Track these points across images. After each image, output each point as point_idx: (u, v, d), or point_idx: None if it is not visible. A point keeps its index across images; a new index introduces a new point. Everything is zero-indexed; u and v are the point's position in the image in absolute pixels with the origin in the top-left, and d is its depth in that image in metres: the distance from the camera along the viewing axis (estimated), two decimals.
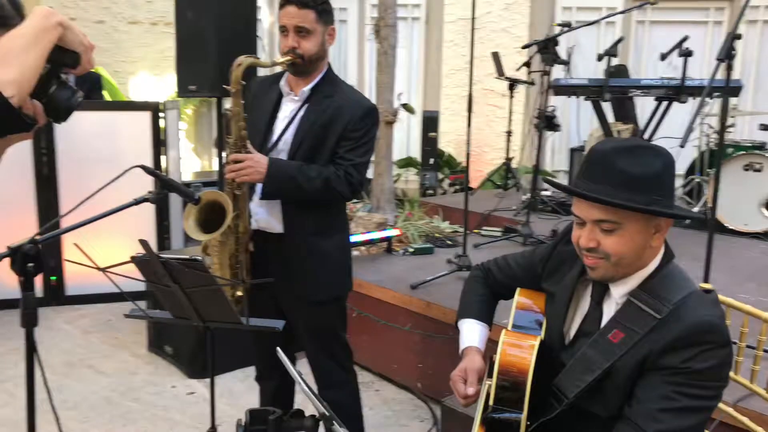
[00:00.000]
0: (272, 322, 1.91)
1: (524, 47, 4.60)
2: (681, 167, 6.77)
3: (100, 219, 1.79)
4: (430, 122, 6.79)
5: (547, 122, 5.55)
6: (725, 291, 1.83)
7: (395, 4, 4.98)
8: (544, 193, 5.60)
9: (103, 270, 1.69)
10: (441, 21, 7.43)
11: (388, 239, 4.08)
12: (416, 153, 7.27)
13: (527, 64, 5.57)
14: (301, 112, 2.25)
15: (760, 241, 4.70)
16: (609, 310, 1.48)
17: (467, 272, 3.61)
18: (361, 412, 2.51)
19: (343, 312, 2.45)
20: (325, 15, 2.21)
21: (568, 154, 6.43)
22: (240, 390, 3.41)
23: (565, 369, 1.46)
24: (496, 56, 6.37)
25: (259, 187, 2.23)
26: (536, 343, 1.48)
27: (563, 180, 6.80)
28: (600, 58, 4.21)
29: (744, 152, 4.80)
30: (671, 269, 1.45)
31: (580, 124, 6.06)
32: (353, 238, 3.79)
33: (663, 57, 4.24)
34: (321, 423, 1.36)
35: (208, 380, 2.21)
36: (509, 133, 6.43)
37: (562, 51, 5.32)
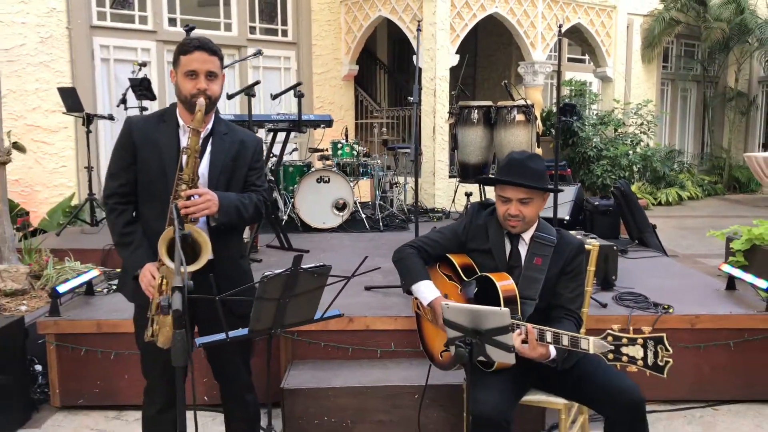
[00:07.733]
0: (334, 311, 2.21)
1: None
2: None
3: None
4: None
5: None
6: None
7: None
8: None
9: (220, 297, 1.76)
10: None
11: (90, 280, 3.94)
12: None
13: (123, 101, 5.76)
14: (210, 147, 2.47)
15: (336, 233, 6.30)
16: (522, 249, 2.54)
17: None
18: None
19: None
20: (223, 62, 2.50)
21: None
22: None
23: (520, 285, 2.45)
24: (65, 91, 6.16)
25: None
26: (506, 273, 2.44)
27: None
28: (230, 97, 4.94)
29: (314, 169, 6.32)
30: (541, 220, 2.61)
31: None
32: (63, 288, 3.63)
33: (274, 97, 5.31)
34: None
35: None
36: (89, 168, 6.30)
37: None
